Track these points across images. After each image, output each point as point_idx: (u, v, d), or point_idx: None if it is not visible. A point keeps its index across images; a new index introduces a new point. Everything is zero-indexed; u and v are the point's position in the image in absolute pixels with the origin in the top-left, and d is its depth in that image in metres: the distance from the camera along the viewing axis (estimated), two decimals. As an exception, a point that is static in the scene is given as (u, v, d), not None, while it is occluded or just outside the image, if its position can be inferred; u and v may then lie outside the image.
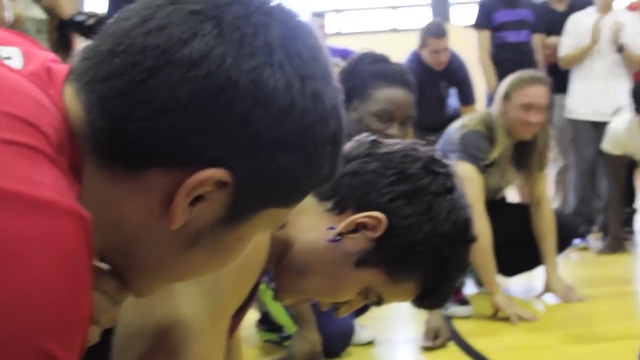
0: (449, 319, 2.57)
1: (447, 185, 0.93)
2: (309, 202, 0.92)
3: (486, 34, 4.30)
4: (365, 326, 2.32)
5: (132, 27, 0.53)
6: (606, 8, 4.07)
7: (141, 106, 0.52)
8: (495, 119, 2.68)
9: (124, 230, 0.56)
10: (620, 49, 3.97)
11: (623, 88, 4.00)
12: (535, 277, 2.99)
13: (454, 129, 2.74)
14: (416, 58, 4.11)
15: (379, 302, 0.95)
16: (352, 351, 2.20)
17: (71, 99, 0.54)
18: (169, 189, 0.53)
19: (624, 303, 2.84)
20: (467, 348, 2.17)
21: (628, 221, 4.15)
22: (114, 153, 0.53)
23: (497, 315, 2.54)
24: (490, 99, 4.26)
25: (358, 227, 0.91)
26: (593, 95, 4.01)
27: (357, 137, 0.98)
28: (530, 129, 2.65)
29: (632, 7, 4.19)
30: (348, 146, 0.96)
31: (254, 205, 0.57)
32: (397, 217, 0.90)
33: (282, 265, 0.95)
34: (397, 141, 0.98)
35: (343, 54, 4.77)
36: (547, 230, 2.79)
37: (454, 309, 2.59)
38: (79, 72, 0.55)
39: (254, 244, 0.84)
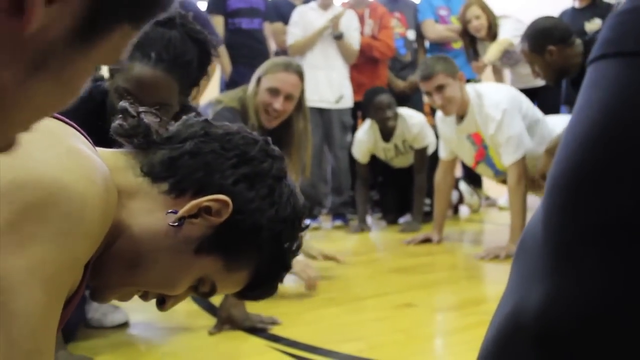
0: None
1: (283, 170, 0.91)
2: (141, 183, 0.84)
3: (219, 19, 4.28)
4: (119, 308, 2.15)
5: None
6: (327, 4, 4.32)
7: None
8: (248, 99, 2.59)
9: None
10: (339, 36, 4.23)
11: (343, 78, 4.31)
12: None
13: (208, 104, 2.62)
14: None
15: (210, 293, 0.89)
16: (107, 333, 2.03)
17: None
18: None
19: (370, 269, 3.02)
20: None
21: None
22: None
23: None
24: (225, 85, 4.26)
25: (199, 212, 0.84)
26: (317, 84, 4.21)
27: (184, 117, 0.93)
28: (272, 117, 2.56)
29: (348, 6, 4.50)
30: (176, 126, 0.91)
31: (114, 12, 0.46)
32: (241, 200, 0.85)
33: (109, 254, 0.82)
34: (226, 123, 0.95)
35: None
36: None
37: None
38: None
39: (108, 201, 0.73)
